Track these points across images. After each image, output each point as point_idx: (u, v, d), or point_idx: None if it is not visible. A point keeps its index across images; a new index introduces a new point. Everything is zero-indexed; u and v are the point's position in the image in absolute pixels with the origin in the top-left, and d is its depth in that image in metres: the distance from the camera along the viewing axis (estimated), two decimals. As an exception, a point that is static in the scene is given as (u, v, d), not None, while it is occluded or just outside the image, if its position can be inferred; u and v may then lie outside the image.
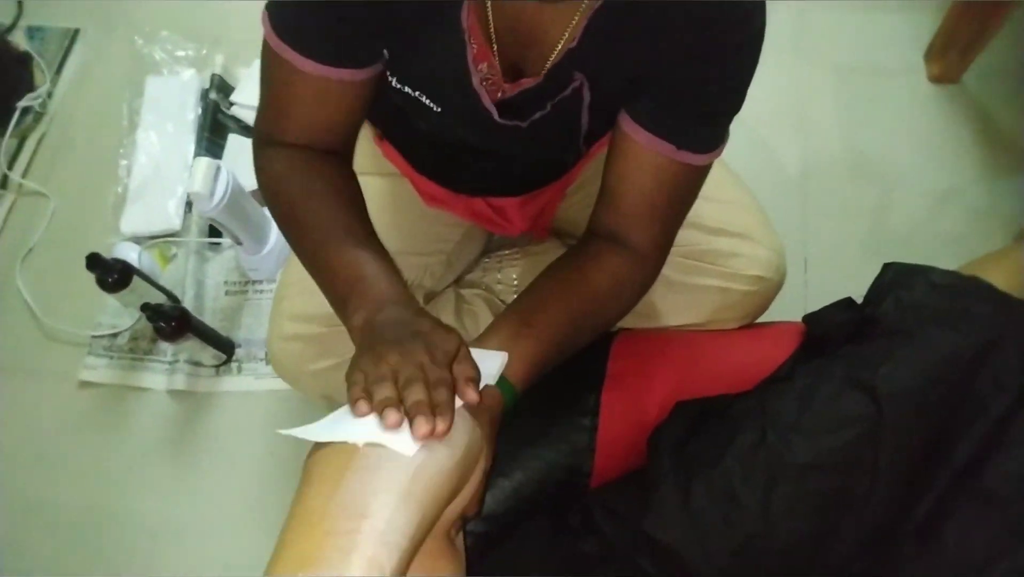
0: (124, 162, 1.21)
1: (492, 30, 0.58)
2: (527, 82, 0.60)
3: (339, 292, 0.59)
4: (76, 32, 1.42)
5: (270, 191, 0.66)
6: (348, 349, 0.83)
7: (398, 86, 0.65)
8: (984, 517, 0.59)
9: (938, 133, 1.29)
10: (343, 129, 0.66)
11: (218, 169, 0.94)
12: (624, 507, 0.64)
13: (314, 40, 0.58)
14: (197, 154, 1.21)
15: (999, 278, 0.81)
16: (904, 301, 0.71)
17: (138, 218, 1.17)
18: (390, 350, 0.50)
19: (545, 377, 0.63)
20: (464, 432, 0.49)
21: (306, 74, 0.60)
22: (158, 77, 1.28)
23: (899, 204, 1.24)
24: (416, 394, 0.46)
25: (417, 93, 0.65)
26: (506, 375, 0.58)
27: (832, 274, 1.16)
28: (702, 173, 0.64)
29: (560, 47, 0.58)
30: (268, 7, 0.59)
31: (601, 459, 0.70)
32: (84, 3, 1.44)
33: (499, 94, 0.62)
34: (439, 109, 0.65)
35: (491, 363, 0.57)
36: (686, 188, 0.65)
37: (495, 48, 0.59)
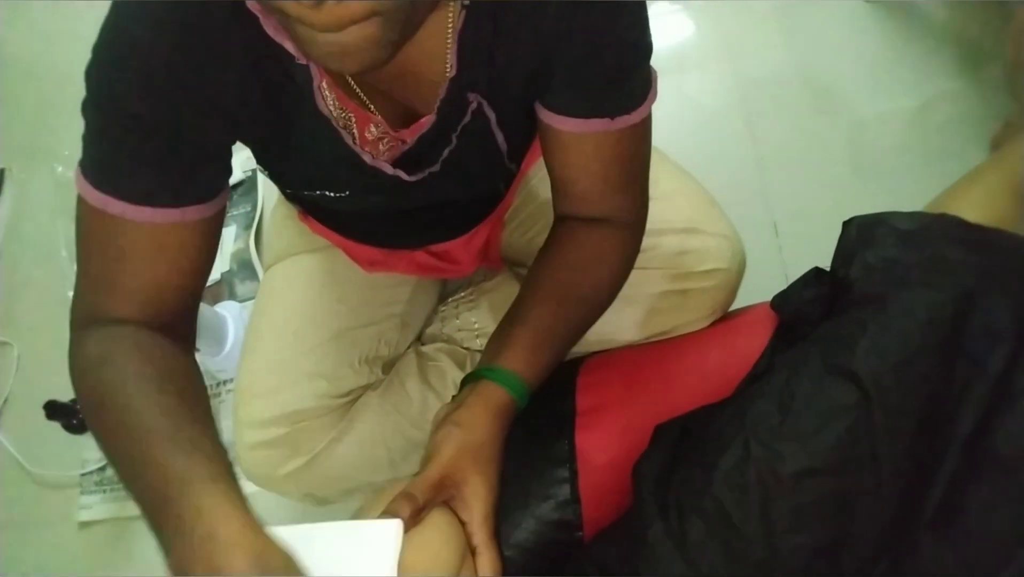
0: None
1: (361, 94, 0.54)
2: (425, 122, 0.56)
3: (152, 512, 0.43)
4: (2, 172, 1.40)
5: (80, 382, 0.51)
6: (317, 443, 0.80)
7: (296, 193, 0.62)
8: (1003, 487, 0.53)
9: (890, 50, 1.21)
10: (190, 284, 0.55)
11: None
12: (617, 561, 0.59)
13: (147, 180, 0.50)
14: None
15: (972, 207, 0.75)
16: (871, 260, 0.65)
17: (99, 346, 1.14)
18: None
19: (517, 425, 0.60)
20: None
21: (141, 226, 0.50)
22: (88, 198, 1.25)
23: (867, 136, 1.17)
24: None
25: (318, 193, 0.62)
26: (505, 366, 0.59)
27: (808, 232, 1.08)
28: (647, 123, 0.60)
29: (441, 81, 0.54)
30: (83, 161, 0.51)
31: (590, 508, 0.65)
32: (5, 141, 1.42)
33: (398, 148, 0.58)
34: (346, 194, 0.62)
35: (375, 549, 0.48)
36: (637, 147, 0.62)
37: (372, 108, 0.55)
